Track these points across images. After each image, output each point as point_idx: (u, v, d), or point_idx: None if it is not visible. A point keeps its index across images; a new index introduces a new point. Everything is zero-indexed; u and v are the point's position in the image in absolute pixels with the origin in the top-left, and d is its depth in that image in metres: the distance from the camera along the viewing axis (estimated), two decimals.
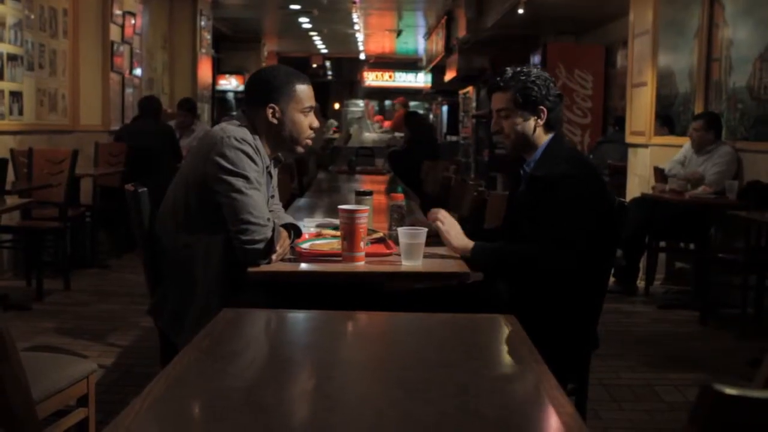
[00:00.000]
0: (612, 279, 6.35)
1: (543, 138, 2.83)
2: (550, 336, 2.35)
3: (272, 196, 3.00)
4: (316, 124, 2.86)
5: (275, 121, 2.77)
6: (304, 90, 2.81)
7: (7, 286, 5.80)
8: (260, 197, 2.64)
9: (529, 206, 2.76)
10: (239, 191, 2.58)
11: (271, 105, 2.76)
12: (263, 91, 2.79)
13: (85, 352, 4.19)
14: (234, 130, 2.69)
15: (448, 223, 2.78)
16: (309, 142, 2.89)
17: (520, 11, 9.28)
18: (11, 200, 4.89)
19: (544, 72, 2.86)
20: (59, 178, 5.78)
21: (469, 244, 2.70)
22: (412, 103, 23.70)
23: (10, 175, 5.72)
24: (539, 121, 2.80)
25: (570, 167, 2.71)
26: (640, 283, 6.24)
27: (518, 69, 2.85)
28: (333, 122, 16.48)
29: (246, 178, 2.60)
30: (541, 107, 2.79)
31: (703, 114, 6.03)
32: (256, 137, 2.74)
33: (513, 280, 2.69)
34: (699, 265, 5.80)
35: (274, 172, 2.96)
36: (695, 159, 5.91)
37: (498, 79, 2.87)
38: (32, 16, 6.65)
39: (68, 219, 5.96)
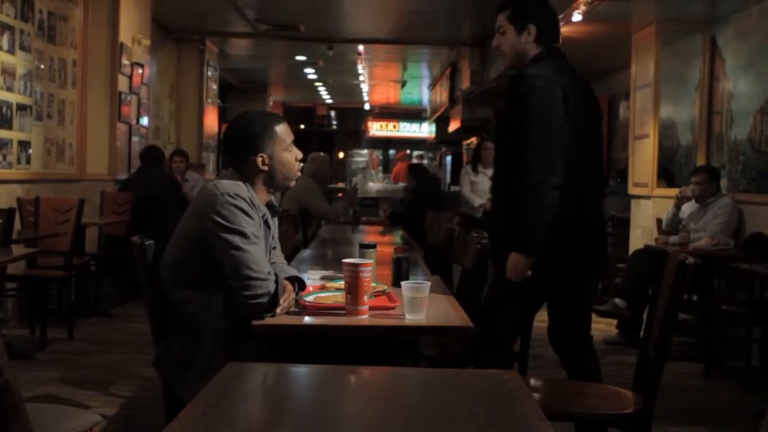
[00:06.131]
0: (615, 330, 6.34)
1: (534, 51, 3.25)
2: None
3: (274, 248, 3.02)
4: (300, 155, 2.92)
5: (266, 168, 2.81)
6: (283, 129, 2.86)
7: (11, 335, 5.80)
8: (259, 251, 2.66)
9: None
10: (237, 248, 2.61)
11: (260, 154, 2.80)
12: (246, 143, 2.81)
13: (87, 402, 4.19)
14: (227, 185, 2.71)
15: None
16: (299, 173, 2.97)
17: None
18: (17, 250, 4.92)
19: None
20: (65, 227, 5.81)
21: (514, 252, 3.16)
22: (416, 153, 23.92)
23: (16, 224, 5.76)
24: (529, 36, 3.23)
25: (538, 69, 3.14)
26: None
27: None
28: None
29: (243, 234, 2.63)
30: (531, 24, 3.23)
31: (705, 167, 6.09)
32: (250, 188, 2.78)
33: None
34: (703, 316, 5.79)
35: (273, 222, 2.97)
36: (696, 211, 5.95)
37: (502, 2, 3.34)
38: (42, 67, 6.75)
39: (73, 267, 5.99)
